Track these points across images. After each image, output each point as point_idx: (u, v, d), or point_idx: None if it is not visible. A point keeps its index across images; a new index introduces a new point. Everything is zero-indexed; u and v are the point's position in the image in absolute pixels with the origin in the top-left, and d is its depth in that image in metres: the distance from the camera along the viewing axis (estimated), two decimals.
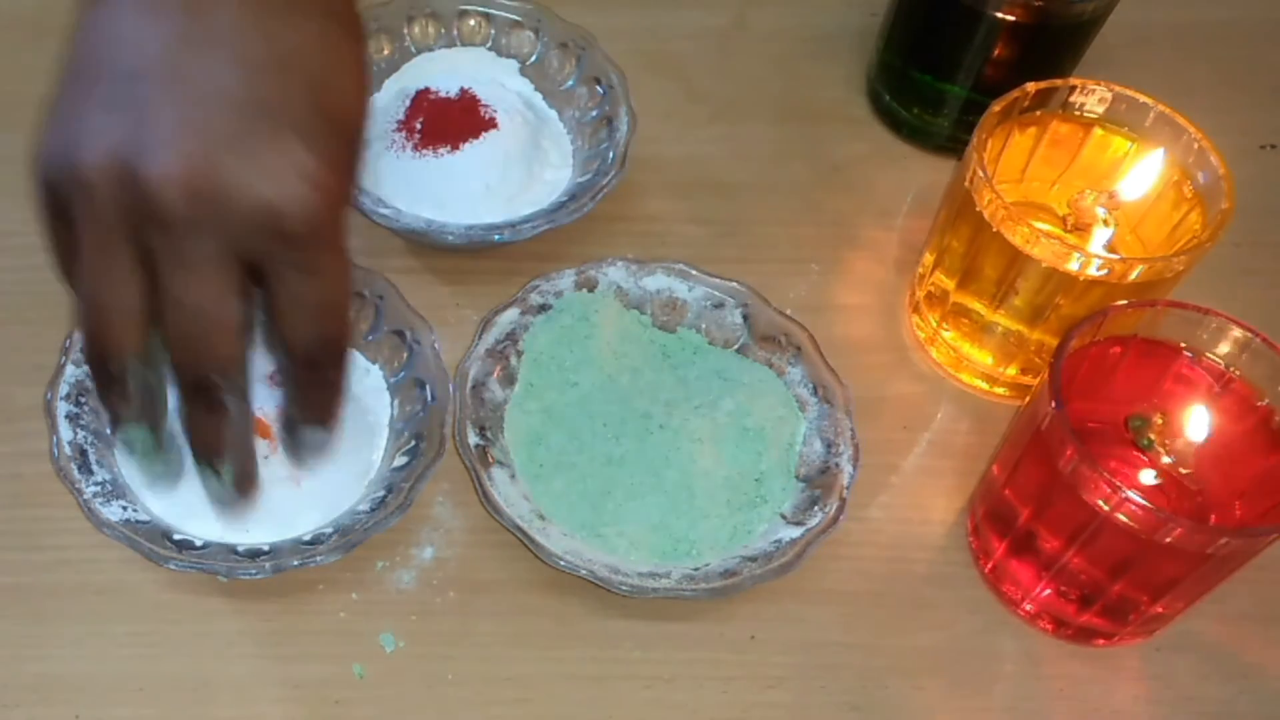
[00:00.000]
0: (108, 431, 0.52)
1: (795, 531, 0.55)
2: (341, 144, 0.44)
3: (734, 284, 0.62)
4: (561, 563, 0.53)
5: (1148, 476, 0.54)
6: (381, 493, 0.55)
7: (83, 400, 0.56)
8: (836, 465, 0.57)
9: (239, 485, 0.47)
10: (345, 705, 0.53)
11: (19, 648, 0.53)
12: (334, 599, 0.54)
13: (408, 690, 0.53)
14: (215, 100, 0.41)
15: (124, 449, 0.51)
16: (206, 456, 0.47)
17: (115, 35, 0.43)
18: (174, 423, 0.47)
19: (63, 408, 0.55)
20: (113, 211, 0.41)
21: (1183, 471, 0.54)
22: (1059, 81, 0.59)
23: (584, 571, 0.53)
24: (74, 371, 0.56)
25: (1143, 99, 0.59)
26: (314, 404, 0.47)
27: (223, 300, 0.42)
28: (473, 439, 0.56)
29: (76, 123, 0.42)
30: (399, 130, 0.65)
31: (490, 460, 0.56)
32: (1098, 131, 0.60)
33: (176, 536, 0.53)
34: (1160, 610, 0.53)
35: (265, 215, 0.41)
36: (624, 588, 0.53)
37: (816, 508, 0.56)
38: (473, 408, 0.57)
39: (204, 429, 0.46)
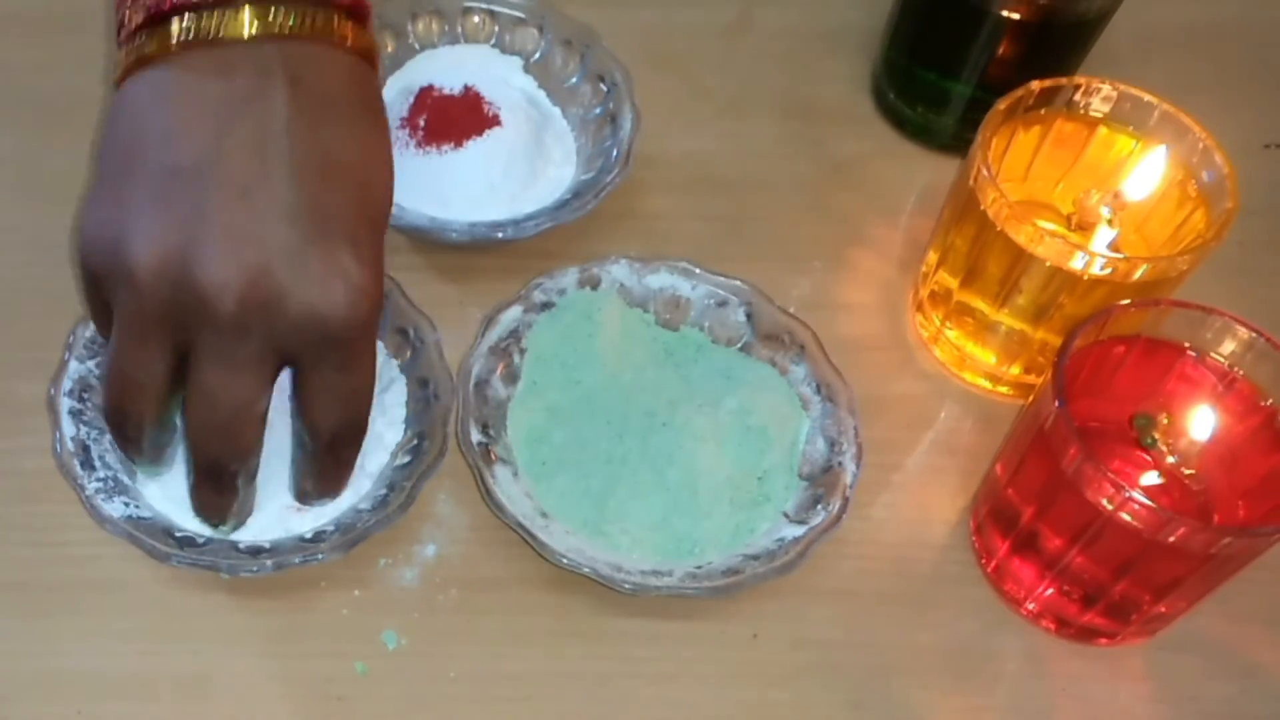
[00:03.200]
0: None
1: (798, 530, 0.55)
2: (378, 243, 0.46)
3: (737, 282, 0.61)
4: (564, 561, 0.53)
5: (1151, 476, 0.54)
6: (384, 491, 0.55)
7: (85, 396, 0.56)
8: (839, 464, 0.57)
9: (228, 531, 0.52)
10: (347, 702, 0.53)
11: (21, 643, 0.53)
12: (336, 596, 0.54)
13: (410, 687, 0.53)
14: (266, 206, 0.43)
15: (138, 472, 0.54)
16: (210, 522, 0.50)
17: (163, 121, 0.44)
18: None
19: (66, 403, 0.55)
20: (159, 309, 0.43)
21: (1186, 471, 0.54)
22: (1064, 80, 0.59)
23: (587, 570, 0.53)
24: (77, 367, 0.56)
25: (1147, 98, 0.59)
26: (328, 480, 0.50)
27: (254, 397, 0.44)
28: (475, 437, 0.56)
29: (123, 213, 0.43)
30: (402, 127, 0.65)
31: (493, 458, 0.56)
32: (1102, 130, 0.60)
33: (178, 533, 0.53)
34: (1163, 610, 0.53)
35: (313, 322, 0.43)
36: (626, 586, 0.53)
37: (819, 506, 0.56)
38: (475, 405, 0.57)
39: (212, 507, 0.49)
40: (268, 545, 0.53)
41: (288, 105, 0.44)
